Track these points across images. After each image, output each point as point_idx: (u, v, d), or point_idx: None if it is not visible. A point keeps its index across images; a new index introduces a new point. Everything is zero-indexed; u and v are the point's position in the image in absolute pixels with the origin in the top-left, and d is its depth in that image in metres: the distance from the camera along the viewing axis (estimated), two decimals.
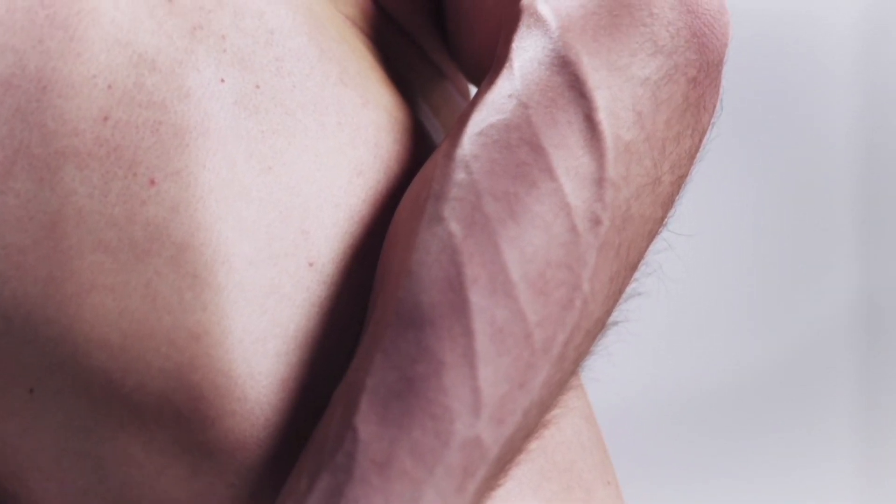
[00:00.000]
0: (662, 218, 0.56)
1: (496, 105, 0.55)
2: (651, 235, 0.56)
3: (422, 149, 0.62)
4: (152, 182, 0.53)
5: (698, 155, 0.57)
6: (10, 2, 0.52)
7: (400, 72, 0.69)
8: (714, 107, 0.57)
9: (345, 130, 0.59)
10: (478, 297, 0.51)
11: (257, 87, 0.56)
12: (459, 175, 0.53)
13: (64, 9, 0.53)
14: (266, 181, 0.55)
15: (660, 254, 0.57)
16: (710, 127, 0.57)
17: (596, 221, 0.52)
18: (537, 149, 0.53)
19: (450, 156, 0.54)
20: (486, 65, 0.64)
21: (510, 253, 0.51)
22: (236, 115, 0.55)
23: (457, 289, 0.51)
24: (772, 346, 1.42)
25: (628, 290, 0.56)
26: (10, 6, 0.52)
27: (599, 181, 0.53)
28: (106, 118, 0.53)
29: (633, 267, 0.55)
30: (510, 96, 0.54)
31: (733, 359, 1.41)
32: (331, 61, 0.60)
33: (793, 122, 1.43)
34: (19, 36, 0.52)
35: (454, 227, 0.52)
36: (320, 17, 0.62)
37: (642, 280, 0.56)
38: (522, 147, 0.53)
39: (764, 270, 1.43)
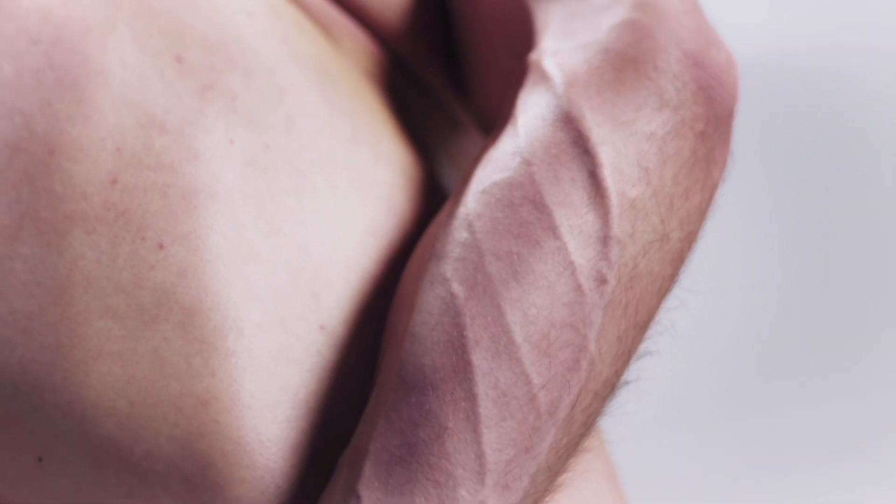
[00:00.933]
0: (673, 275, 0.55)
1: (500, 162, 0.54)
2: (661, 293, 0.55)
3: (436, 206, 0.62)
4: (161, 246, 0.53)
5: (710, 210, 0.56)
6: (19, 64, 0.53)
7: (416, 122, 0.69)
8: (725, 160, 0.56)
9: (357, 188, 0.58)
10: (480, 360, 0.50)
11: (267, 146, 0.56)
12: (462, 234, 0.53)
13: (73, 70, 0.53)
14: (276, 243, 0.55)
15: (672, 311, 0.56)
16: (721, 181, 0.57)
17: (601, 280, 0.52)
18: (540, 207, 0.52)
19: (453, 215, 0.54)
20: (496, 118, 0.64)
21: (513, 314, 0.50)
22: (246, 175, 0.55)
23: (459, 351, 0.50)
24: (792, 413, 1.39)
25: (639, 349, 0.55)
26: (19, 68, 0.53)
27: (604, 239, 0.52)
28: (114, 181, 0.53)
29: (644, 326, 0.54)
30: (514, 153, 0.54)
31: (749, 423, 1.39)
32: (342, 117, 0.60)
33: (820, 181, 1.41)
34: (28, 99, 0.52)
35: (456, 287, 0.51)
36: (332, 72, 0.62)
37: (654, 338, 0.55)
38: (525, 205, 0.52)
39: (780, 329, 1.41)
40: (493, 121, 0.66)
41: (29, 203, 0.52)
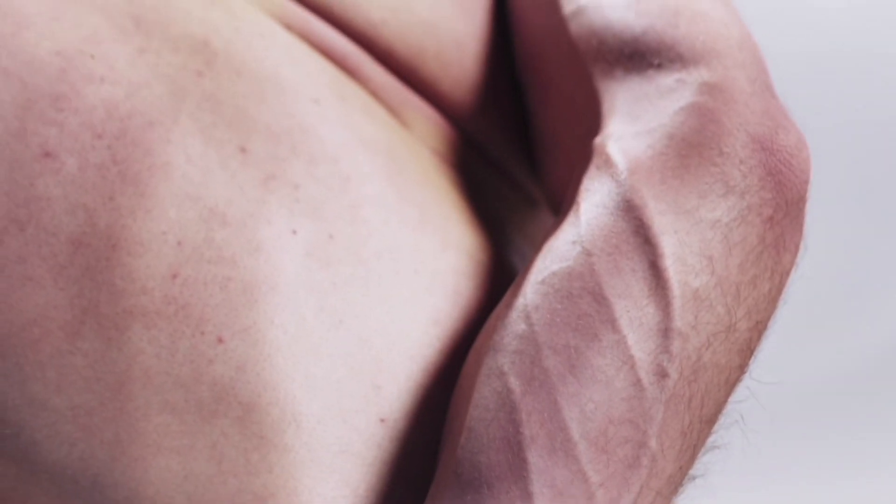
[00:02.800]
0: (741, 366, 0.53)
1: (559, 252, 0.53)
2: (729, 385, 0.53)
3: (504, 292, 0.61)
4: (220, 340, 0.53)
5: (781, 297, 0.55)
6: (83, 159, 0.53)
7: (490, 203, 0.69)
8: (797, 246, 0.55)
9: (422, 277, 0.58)
10: (536, 458, 0.49)
11: (330, 236, 0.56)
12: (520, 326, 0.52)
13: (136, 164, 0.53)
14: (337, 335, 0.55)
15: (741, 403, 0.54)
16: (793, 267, 0.55)
17: (662, 374, 0.50)
18: (599, 299, 0.51)
19: (511, 306, 0.53)
20: (562, 202, 0.63)
21: (570, 410, 0.49)
22: (308, 267, 0.55)
23: (515, 449, 0.49)
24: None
25: (706, 443, 0.53)
26: (83, 163, 0.53)
27: (665, 331, 0.50)
28: (175, 276, 0.53)
29: (710, 419, 0.52)
30: (574, 243, 0.53)
31: None
32: (409, 205, 0.59)
33: None
34: (91, 194, 0.53)
35: (513, 382, 0.50)
36: (400, 157, 0.61)
37: (722, 432, 0.54)
38: (584, 297, 0.51)
39: (856, 420, 1.37)
40: (558, 200, 0.65)
41: (90, 298, 0.52)
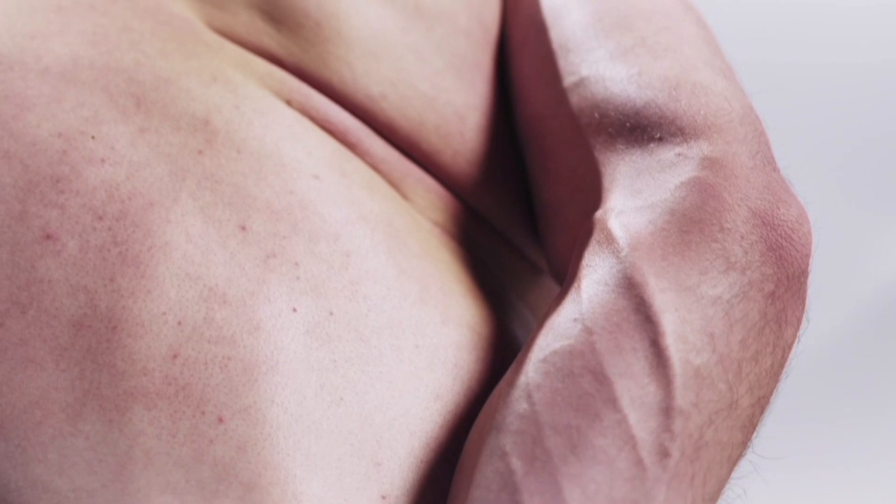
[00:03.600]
0: (744, 441, 0.53)
1: (561, 330, 0.53)
2: (732, 461, 0.53)
3: (507, 365, 0.61)
4: (220, 420, 0.53)
5: (783, 372, 0.54)
6: (84, 241, 0.53)
7: (493, 272, 0.68)
8: (799, 319, 0.54)
9: (422, 353, 0.58)
10: None
11: (331, 314, 0.56)
12: (521, 406, 0.51)
13: (136, 245, 0.54)
14: (337, 413, 0.54)
15: (744, 478, 0.54)
16: (795, 341, 0.55)
17: (664, 454, 0.50)
18: (601, 378, 0.51)
19: (513, 384, 0.53)
20: (565, 273, 0.63)
21: (571, 491, 0.49)
22: (308, 345, 0.55)
23: None
24: None
25: None
26: (84, 245, 0.53)
27: (667, 410, 0.50)
28: (175, 356, 0.53)
29: (713, 496, 0.52)
30: (575, 320, 0.53)
31: None
32: (410, 280, 0.59)
33: None
34: (91, 275, 0.53)
35: (515, 463, 0.50)
36: (401, 230, 0.61)
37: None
38: (586, 376, 0.51)
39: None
40: (561, 271, 0.65)
41: (91, 380, 0.52)
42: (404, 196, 0.66)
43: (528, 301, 0.72)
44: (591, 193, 0.61)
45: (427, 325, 0.59)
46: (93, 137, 0.55)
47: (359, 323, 0.56)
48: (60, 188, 0.53)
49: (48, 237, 0.53)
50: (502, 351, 0.62)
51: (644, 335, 0.51)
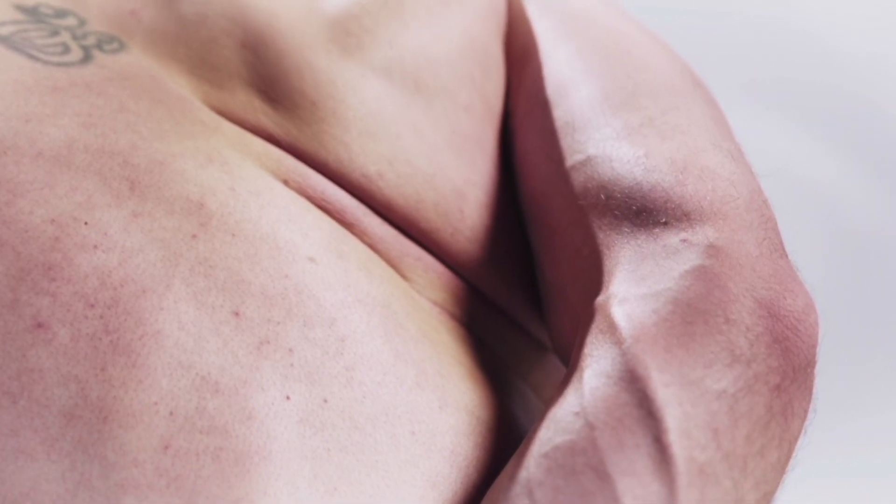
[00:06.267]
0: None
1: (562, 423, 0.52)
2: None
3: (507, 450, 0.60)
4: None
5: (789, 465, 0.53)
6: (75, 329, 0.52)
7: (495, 353, 0.67)
8: (806, 411, 0.53)
9: (419, 439, 0.57)
10: None
11: (325, 401, 0.55)
12: (523, 503, 0.50)
13: (128, 333, 0.53)
14: (331, 503, 0.53)
15: None
16: (801, 433, 0.53)
17: None
18: (603, 476, 0.49)
19: (514, 479, 0.52)
20: (569, 353, 0.62)
21: None
22: (301, 433, 0.54)
23: None
24: None
25: None
26: (75, 334, 0.52)
27: None
28: (167, 447, 0.52)
29: None
30: (577, 414, 0.52)
31: None
32: (406, 364, 0.58)
33: None
34: (83, 365, 0.52)
35: None
36: (399, 314, 0.60)
37: None
38: (587, 473, 0.50)
39: None
40: (565, 352, 0.64)
41: (82, 472, 0.51)
42: (403, 275, 0.65)
43: (531, 381, 0.71)
44: (595, 275, 0.60)
45: (424, 410, 0.57)
46: (86, 223, 0.54)
47: (353, 410, 0.55)
48: (52, 276, 0.52)
49: (39, 326, 0.52)
50: (502, 435, 0.60)
51: (647, 431, 0.50)
